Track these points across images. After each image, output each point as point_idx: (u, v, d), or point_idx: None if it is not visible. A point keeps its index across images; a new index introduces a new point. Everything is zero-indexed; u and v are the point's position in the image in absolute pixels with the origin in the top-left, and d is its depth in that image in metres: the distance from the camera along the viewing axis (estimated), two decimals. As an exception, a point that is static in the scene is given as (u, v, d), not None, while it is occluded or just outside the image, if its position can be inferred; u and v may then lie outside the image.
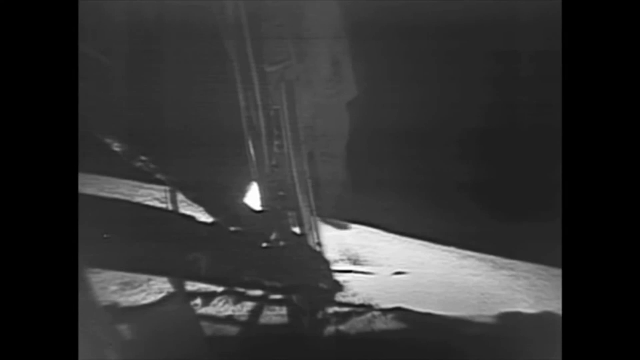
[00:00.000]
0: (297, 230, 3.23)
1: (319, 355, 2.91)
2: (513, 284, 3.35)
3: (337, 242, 3.46)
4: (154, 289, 2.98)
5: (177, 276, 3.02)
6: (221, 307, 3.01)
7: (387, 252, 3.51)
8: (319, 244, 3.27)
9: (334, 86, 3.39)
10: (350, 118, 3.48)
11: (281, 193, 3.20)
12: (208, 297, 3.02)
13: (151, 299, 2.94)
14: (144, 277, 2.98)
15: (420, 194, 3.31)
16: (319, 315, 3.09)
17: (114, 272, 2.90)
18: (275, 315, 3.05)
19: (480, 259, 3.48)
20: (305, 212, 3.22)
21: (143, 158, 3.02)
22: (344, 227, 3.55)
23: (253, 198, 3.25)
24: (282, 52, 3.04)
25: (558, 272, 2.97)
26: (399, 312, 3.10)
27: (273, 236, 3.23)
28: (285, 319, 3.05)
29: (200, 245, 3.02)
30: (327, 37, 3.23)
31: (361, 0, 3.25)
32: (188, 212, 3.17)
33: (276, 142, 3.13)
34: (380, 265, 3.44)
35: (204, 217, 3.17)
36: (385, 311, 3.10)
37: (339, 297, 3.20)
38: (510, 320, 3.11)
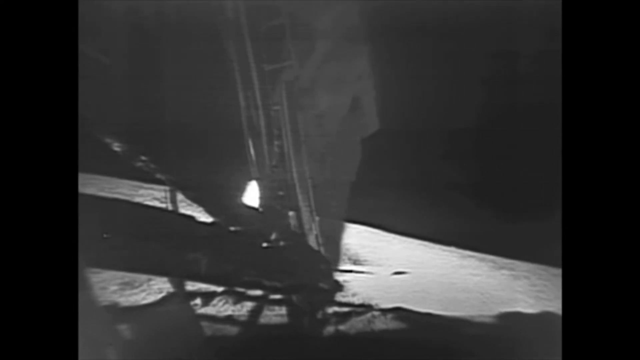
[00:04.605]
0: (297, 230, 3.24)
1: (319, 355, 2.91)
2: (513, 284, 3.35)
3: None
4: (154, 289, 2.98)
5: (177, 276, 3.02)
6: (221, 307, 3.01)
7: (387, 252, 3.51)
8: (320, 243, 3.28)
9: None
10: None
11: (281, 193, 3.20)
12: (208, 297, 3.02)
13: (151, 299, 2.94)
14: (144, 277, 2.98)
15: (420, 194, 3.30)
16: (319, 315, 3.09)
17: (114, 272, 2.90)
18: (275, 315, 3.05)
19: (480, 259, 3.48)
20: (305, 212, 3.23)
21: (143, 158, 3.02)
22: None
23: (253, 198, 3.25)
24: (282, 51, 3.04)
25: (558, 272, 2.97)
26: (399, 312, 3.10)
27: (273, 236, 3.23)
28: (285, 319, 3.05)
29: (200, 245, 3.02)
30: (326, 37, 3.23)
31: (361, 0, 3.25)
32: (188, 212, 3.17)
33: (276, 142, 3.14)
34: (380, 265, 3.44)
35: (204, 217, 3.17)
36: (385, 311, 3.10)
37: (339, 297, 3.20)
38: (510, 320, 3.11)
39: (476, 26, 3.08)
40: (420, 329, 3.03)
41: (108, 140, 2.92)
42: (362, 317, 3.07)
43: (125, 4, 2.84)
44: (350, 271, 3.38)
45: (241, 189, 3.25)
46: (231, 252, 3.12)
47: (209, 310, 2.99)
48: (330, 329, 3.02)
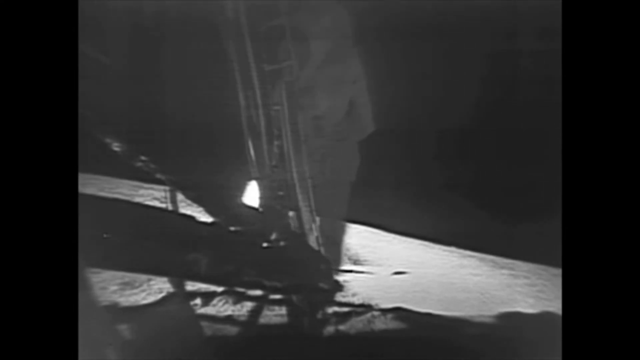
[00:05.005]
0: (297, 230, 3.24)
1: (319, 355, 2.91)
2: (513, 284, 3.35)
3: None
4: (154, 289, 2.98)
5: (177, 276, 3.02)
6: (221, 307, 3.01)
7: (387, 252, 3.51)
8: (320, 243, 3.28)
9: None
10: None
11: (281, 193, 3.20)
12: (208, 297, 3.02)
13: (151, 299, 2.94)
14: (144, 277, 2.98)
15: (421, 195, 3.31)
16: (319, 315, 3.08)
17: (114, 272, 2.90)
18: (275, 315, 3.05)
19: (480, 259, 3.49)
20: (305, 212, 3.23)
21: (143, 158, 3.02)
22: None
23: (253, 198, 3.25)
24: (282, 52, 3.04)
25: (558, 272, 2.97)
26: (399, 312, 3.10)
27: (273, 236, 3.23)
28: (285, 319, 3.04)
29: (200, 245, 3.02)
30: (326, 37, 3.23)
31: (362, 1, 3.25)
32: (188, 212, 3.17)
33: (276, 142, 3.14)
34: (380, 265, 3.44)
35: (204, 217, 3.17)
36: (385, 311, 3.10)
37: (339, 297, 3.20)
38: (510, 320, 3.11)
39: (476, 26, 3.08)
40: (420, 328, 3.02)
41: (108, 140, 2.92)
42: (362, 317, 3.07)
43: (126, 4, 2.84)
44: (351, 271, 3.38)
45: (241, 189, 3.25)
46: (231, 252, 3.12)
47: (209, 310, 2.99)
48: (330, 329, 3.02)
